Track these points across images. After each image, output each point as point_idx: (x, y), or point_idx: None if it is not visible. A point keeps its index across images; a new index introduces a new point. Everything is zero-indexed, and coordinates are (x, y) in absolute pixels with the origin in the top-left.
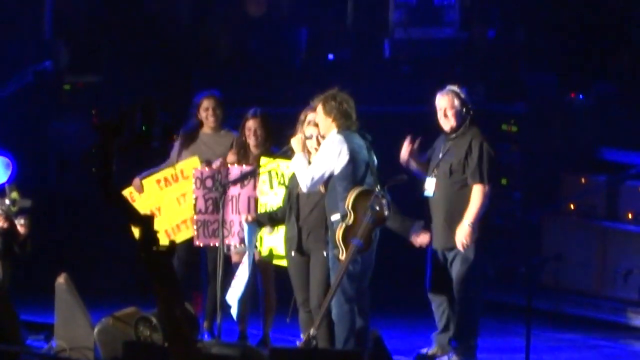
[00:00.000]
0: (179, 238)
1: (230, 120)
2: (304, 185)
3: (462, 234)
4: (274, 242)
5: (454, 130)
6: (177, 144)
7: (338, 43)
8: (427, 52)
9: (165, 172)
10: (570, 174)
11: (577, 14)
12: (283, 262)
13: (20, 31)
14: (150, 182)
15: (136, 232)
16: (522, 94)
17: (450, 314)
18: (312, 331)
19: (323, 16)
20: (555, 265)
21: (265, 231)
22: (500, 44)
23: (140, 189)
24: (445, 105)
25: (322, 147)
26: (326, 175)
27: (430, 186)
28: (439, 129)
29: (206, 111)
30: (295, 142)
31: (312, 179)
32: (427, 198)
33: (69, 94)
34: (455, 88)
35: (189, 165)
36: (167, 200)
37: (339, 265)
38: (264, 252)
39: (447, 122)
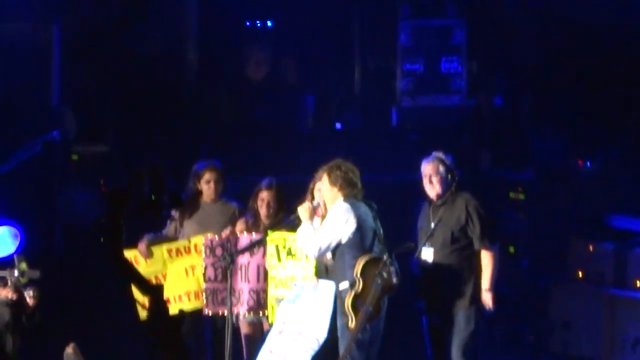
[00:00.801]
0: (184, 307)
1: (236, 187)
2: (311, 254)
3: (488, 301)
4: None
5: (439, 196)
6: (174, 213)
7: (345, 110)
8: (434, 120)
9: (179, 244)
10: (578, 241)
11: (584, 81)
12: None
13: (28, 100)
14: (160, 249)
15: (140, 297)
16: (530, 160)
17: None
18: None
19: (330, 83)
20: (562, 333)
21: (276, 304)
22: (507, 111)
23: (147, 255)
24: (431, 172)
25: (328, 216)
26: (333, 243)
27: (427, 255)
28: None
29: (207, 183)
30: (302, 211)
31: (320, 248)
32: (423, 265)
33: (77, 163)
34: (440, 155)
35: (202, 240)
36: (174, 269)
37: (348, 334)
38: (272, 322)
39: (432, 189)
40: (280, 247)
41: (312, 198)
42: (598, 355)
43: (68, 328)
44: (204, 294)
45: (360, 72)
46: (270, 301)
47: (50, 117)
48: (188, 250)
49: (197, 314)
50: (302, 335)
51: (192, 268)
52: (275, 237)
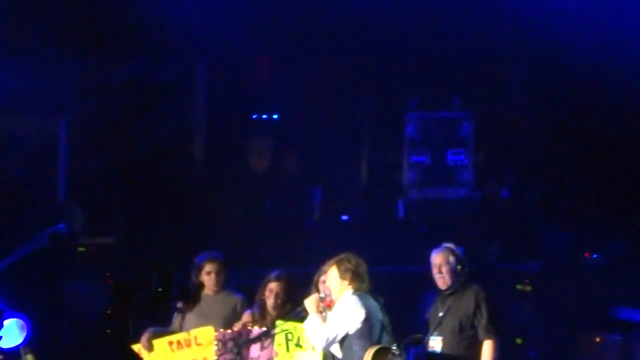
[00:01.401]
0: None
1: (243, 279)
2: (318, 345)
3: None
4: None
5: (448, 286)
6: (179, 305)
7: (352, 203)
8: (441, 212)
9: (179, 336)
10: (585, 333)
11: (591, 173)
12: None
13: (35, 194)
14: (161, 342)
15: None
16: (537, 252)
17: None
18: None
19: (337, 175)
20: None
21: None
22: (515, 203)
23: (149, 348)
24: (440, 262)
25: (337, 307)
26: (340, 335)
27: (436, 344)
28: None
29: (208, 275)
30: (309, 303)
31: (327, 339)
32: (431, 355)
33: (83, 255)
34: (451, 246)
35: (203, 333)
36: None
37: None
38: None
39: (441, 279)
40: (289, 337)
41: (317, 291)
42: None
43: None
44: None
45: (366, 164)
46: None
47: (57, 211)
48: (188, 344)
49: None
50: None
51: None
52: (285, 327)
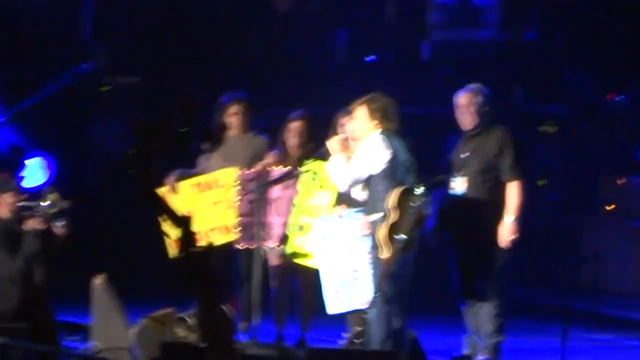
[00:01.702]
0: (211, 242)
1: (266, 121)
2: (342, 185)
3: (508, 231)
4: (301, 241)
5: (474, 127)
6: (204, 146)
7: (376, 44)
8: (466, 54)
9: (203, 178)
10: (609, 175)
11: (617, 15)
12: (308, 263)
13: (59, 33)
14: (186, 185)
15: (171, 232)
16: (562, 95)
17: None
18: (357, 329)
19: (362, 17)
20: (593, 266)
21: (295, 233)
22: (540, 46)
23: (175, 190)
24: (467, 102)
25: (362, 147)
26: (365, 175)
27: (459, 185)
28: (456, 128)
29: (235, 116)
30: (333, 144)
31: (352, 178)
32: (453, 197)
33: (108, 95)
34: (476, 86)
35: (224, 175)
36: (201, 204)
37: (379, 266)
38: (289, 250)
39: (466, 119)
40: (313, 177)
41: (336, 133)
42: (628, 288)
43: (98, 259)
44: (237, 228)
45: (391, 6)
46: (290, 229)
47: (82, 50)
48: (210, 186)
49: (226, 247)
50: (359, 273)
51: (216, 204)
52: (312, 166)
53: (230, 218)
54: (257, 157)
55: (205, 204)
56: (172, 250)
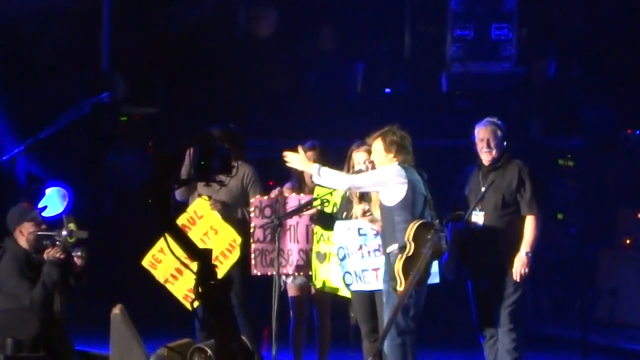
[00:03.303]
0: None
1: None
2: (342, 186)
3: (522, 264)
4: (327, 273)
5: (495, 160)
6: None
7: (395, 77)
8: (484, 87)
9: (182, 219)
10: (627, 209)
11: (635, 49)
12: (341, 292)
13: (78, 64)
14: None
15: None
16: (580, 128)
17: (498, 347)
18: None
19: (380, 49)
20: (610, 300)
21: (318, 264)
22: (558, 79)
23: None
24: (488, 136)
25: (381, 168)
26: (368, 186)
27: (478, 219)
28: (474, 161)
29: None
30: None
31: (352, 181)
32: (471, 230)
33: (126, 125)
34: (495, 120)
35: (198, 206)
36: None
37: (394, 298)
38: (318, 284)
39: (488, 153)
40: (325, 205)
41: (350, 165)
42: None
43: (115, 289)
44: (252, 255)
45: (410, 38)
46: (314, 260)
47: (100, 80)
48: (193, 221)
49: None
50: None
51: (206, 234)
52: (321, 193)
53: (221, 242)
54: (241, 184)
55: (197, 239)
56: (187, 303)
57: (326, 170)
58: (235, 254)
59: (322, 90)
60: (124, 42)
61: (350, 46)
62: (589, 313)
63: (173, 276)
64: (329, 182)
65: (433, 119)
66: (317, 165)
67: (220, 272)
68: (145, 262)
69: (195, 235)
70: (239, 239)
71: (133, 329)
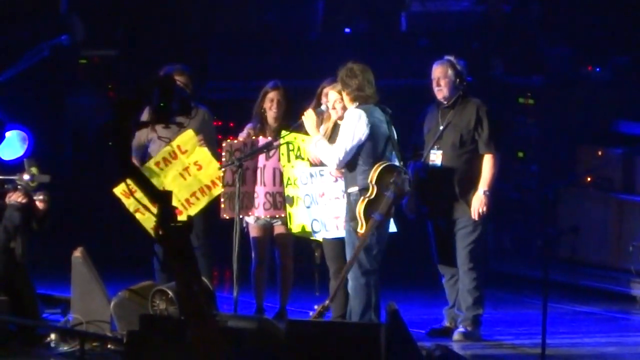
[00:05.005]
0: (192, 211)
1: (244, 92)
2: (332, 164)
3: (480, 203)
4: (304, 218)
5: (446, 99)
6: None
7: (355, 16)
8: (444, 26)
9: (162, 153)
10: (587, 147)
11: None
12: (315, 237)
13: (36, 6)
14: (149, 167)
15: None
16: (539, 67)
17: (459, 287)
18: (326, 302)
19: None
20: (571, 238)
21: (288, 207)
22: (517, 18)
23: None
24: (439, 75)
25: (342, 124)
26: (354, 150)
27: (435, 157)
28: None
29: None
30: (308, 121)
31: (340, 156)
32: (430, 169)
33: (85, 68)
34: (451, 58)
35: (184, 139)
36: (170, 179)
37: (355, 238)
38: (295, 230)
39: (440, 91)
40: (290, 148)
41: (319, 104)
42: (607, 259)
43: (76, 232)
44: (221, 199)
45: None
46: (290, 209)
47: (59, 23)
48: (174, 155)
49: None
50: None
51: (186, 169)
52: (287, 138)
53: (205, 177)
54: (202, 126)
55: (174, 177)
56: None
57: (323, 143)
58: (217, 190)
59: (281, 31)
60: None
61: None
62: (550, 251)
63: (145, 206)
64: (321, 155)
65: (393, 58)
66: (319, 135)
67: (197, 207)
68: (118, 190)
69: (174, 169)
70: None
71: (94, 271)
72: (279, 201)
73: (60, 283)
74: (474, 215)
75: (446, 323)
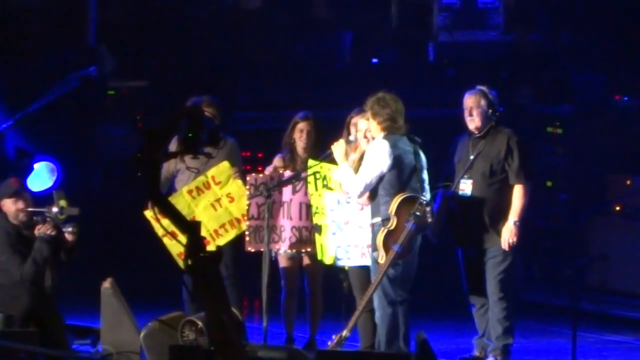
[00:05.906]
0: (221, 242)
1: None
2: (354, 194)
3: (510, 233)
4: (331, 246)
5: (478, 130)
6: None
7: (382, 46)
8: (471, 55)
9: (196, 182)
10: (616, 176)
11: (623, 14)
12: (344, 265)
13: (65, 38)
14: (181, 195)
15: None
16: (569, 95)
17: (489, 316)
18: (343, 332)
19: (367, 20)
20: (600, 267)
21: (318, 237)
22: (546, 46)
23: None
24: (472, 105)
25: (366, 155)
26: (374, 181)
27: (466, 187)
28: (464, 129)
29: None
30: (337, 150)
31: (361, 187)
32: (460, 198)
33: (114, 99)
34: (483, 88)
35: (220, 170)
36: (201, 208)
37: (377, 268)
38: (327, 261)
39: (472, 122)
40: (317, 177)
41: (349, 133)
42: (636, 288)
43: (106, 263)
44: (246, 232)
45: (397, 7)
46: (317, 235)
47: (87, 54)
48: (208, 186)
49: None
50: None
51: (218, 201)
52: (314, 168)
53: (236, 210)
54: (231, 157)
55: (204, 206)
56: (180, 261)
57: (348, 172)
58: (244, 226)
59: (310, 61)
60: (111, 15)
61: (338, 16)
62: (580, 280)
63: (173, 233)
64: (344, 183)
65: (420, 89)
66: (346, 164)
67: (225, 239)
68: (148, 214)
69: (205, 199)
70: None
71: (123, 302)
72: (305, 235)
73: (90, 314)
74: (504, 246)
75: (476, 352)
